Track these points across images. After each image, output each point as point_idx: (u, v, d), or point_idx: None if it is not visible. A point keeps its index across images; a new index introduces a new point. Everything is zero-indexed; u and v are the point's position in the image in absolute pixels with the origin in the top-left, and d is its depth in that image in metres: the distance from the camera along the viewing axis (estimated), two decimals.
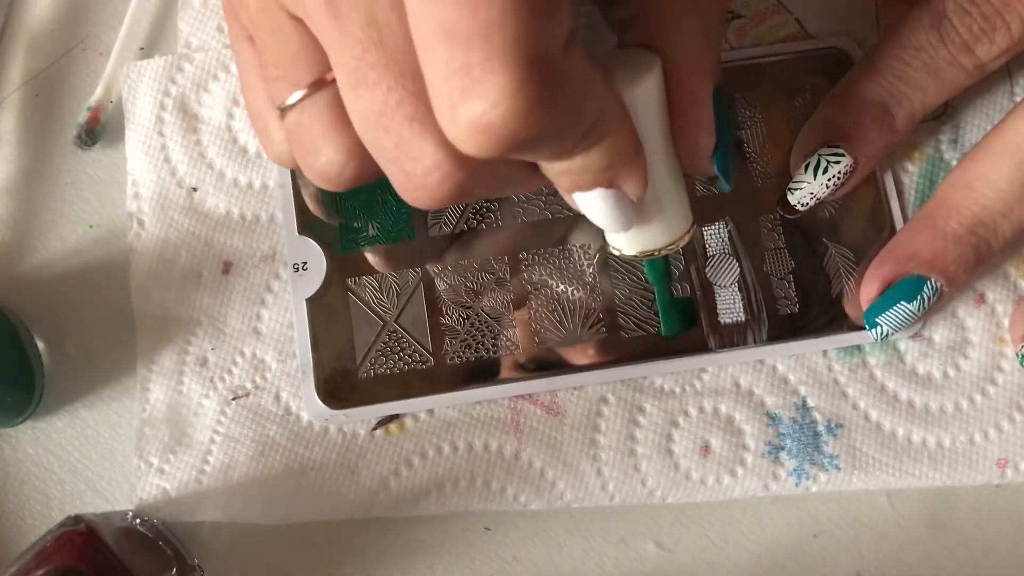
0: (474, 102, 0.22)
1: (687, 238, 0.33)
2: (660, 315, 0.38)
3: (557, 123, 0.24)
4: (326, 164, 0.28)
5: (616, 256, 0.33)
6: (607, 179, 0.28)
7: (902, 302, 0.37)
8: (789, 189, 0.38)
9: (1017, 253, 0.39)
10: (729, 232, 0.39)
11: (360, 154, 0.28)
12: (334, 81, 0.27)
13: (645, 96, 0.29)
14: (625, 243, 0.32)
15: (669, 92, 0.30)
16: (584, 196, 0.28)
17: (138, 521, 0.37)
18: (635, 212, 0.29)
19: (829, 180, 0.37)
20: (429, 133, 0.25)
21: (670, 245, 0.32)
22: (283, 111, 0.28)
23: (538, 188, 0.29)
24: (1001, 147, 0.36)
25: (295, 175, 0.40)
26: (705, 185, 0.39)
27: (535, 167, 0.28)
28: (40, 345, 0.40)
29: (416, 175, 0.26)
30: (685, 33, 0.30)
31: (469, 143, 0.23)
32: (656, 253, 0.32)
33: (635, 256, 0.32)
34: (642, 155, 0.28)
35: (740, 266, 0.39)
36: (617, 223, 0.29)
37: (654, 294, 0.38)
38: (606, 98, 0.26)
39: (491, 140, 0.23)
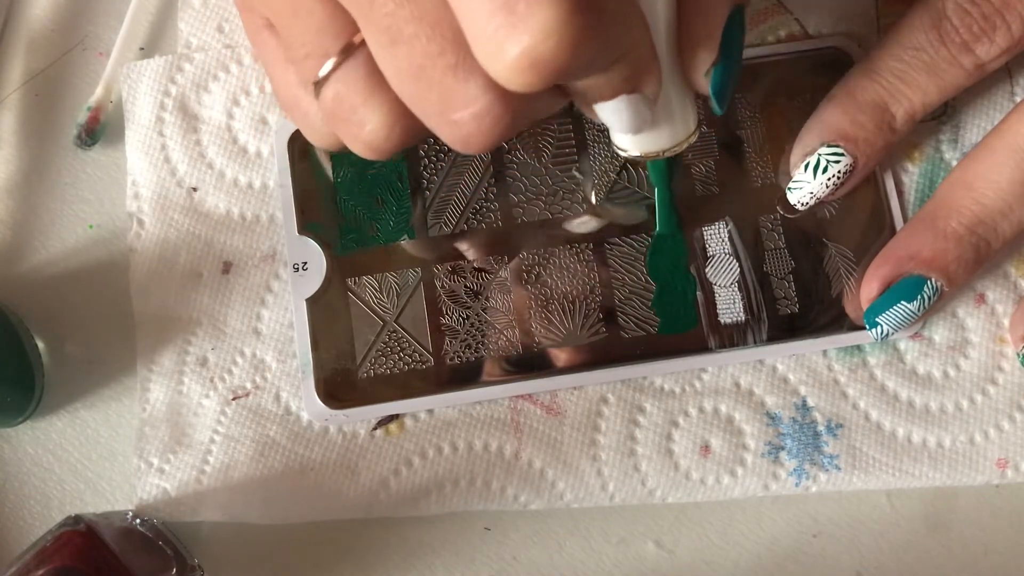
0: (521, 37, 0.22)
1: (691, 139, 0.32)
2: (657, 215, 0.38)
3: (602, 46, 0.24)
4: (372, 131, 0.28)
5: (622, 156, 0.33)
6: (630, 86, 0.27)
7: (902, 302, 0.37)
8: (789, 189, 0.38)
9: (1017, 253, 0.39)
10: (729, 232, 0.39)
11: (404, 114, 0.27)
12: (363, 44, 0.27)
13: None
14: (631, 144, 0.32)
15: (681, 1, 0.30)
16: (608, 104, 0.28)
17: (138, 521, 0.37)
18: (651, 112, 0.29)
19: (829, 180, 0.37)
20: (473, 78, 0.25)
21: (674, 147, 0.32)
22: (317, 86, 0.28)
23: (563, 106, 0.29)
24: (1002, 147, 0.36)
25: (294, 175, 0.40)
26: (705, 185, 0.39)
27: (562, 87, 0.27)
28: (40, 345, 0.40)
29: (465, 123, 0.26)
30: None
31: (519, 80, 0.23)
32: (661, 154, 0.32)
33: (640, 156, 0.32)
34: (658, 58, 0.28)
35: (740, 266, 0.39)
36: (635, 125, 0.29)
37: (654, 289, 0.39)
38: (634, 10, 0.26)
39: (542, 74, 0.23)
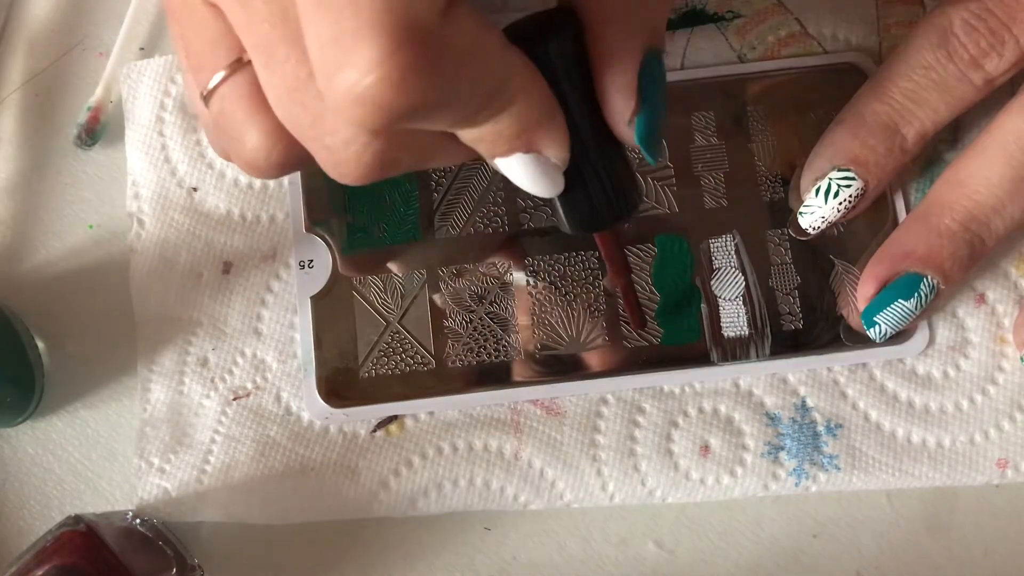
0: (347, 72, 0.22)
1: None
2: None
3: (441, 90, 0.23)
4: (252, 150, 0.28)
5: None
6: (523, 144, 0.27)
7: (899, 300, 0.37)
8: (800, 213, 0.38)
9: (1017, 253, 0.40)
10: (736, 246, 0.39)
11: (285, 135, 0.27)
12: (251, 63, 0.27)
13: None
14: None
15: (589, 51, 0.29)
16: (505, 162, 0.28)
17: (138, 521, 0.37)
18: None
19: (840, 204, 0.37)
20: None
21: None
22: (206, 99, 0.28)
23: (470, 158, 0.28)
24: (992, 144, 0.36)
25: (303, 173, 0.40)
26: (713, 197, 0.39)
27: (455, 136, 0.27)
28: (40, 345, 0.40)
29: (336, 149, 0.26)
30: None
31: (350, 114, 0.23)
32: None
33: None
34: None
35: (746, 280, 0.39)
36: (543, 187, 0.28)
37: (656, 299, 0.39)
38: (507, 60, 0.26)
39: (370, 111, 0.23)
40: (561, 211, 0.31)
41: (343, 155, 0.26)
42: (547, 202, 0.30)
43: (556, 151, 0.28)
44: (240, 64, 0.27)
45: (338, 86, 0.22)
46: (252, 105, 0.27)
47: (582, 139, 0.28)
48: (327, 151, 0.26)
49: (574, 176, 0.29)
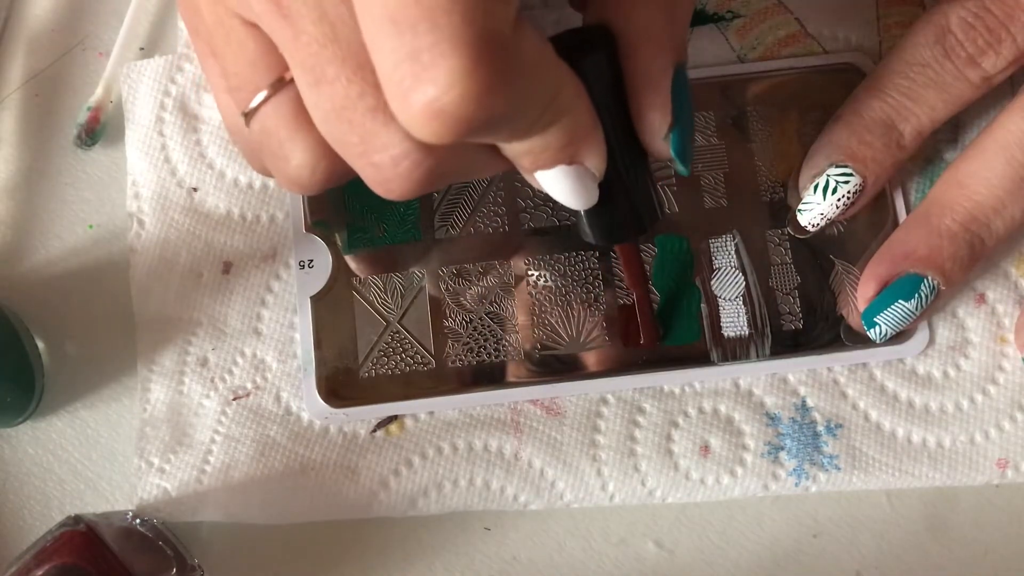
0: (426, 87, 0.22)
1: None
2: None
3: (512, 103, 0.24)
4: (296, 167, 0.28)
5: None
6: (568, 156, 0.27)
7: (900, 300, 0.37)
8: (799, 210, 0.38)
9: (1018, 253, 0.40)
10: (736, 246, 0.39)
11: (329, 152, 0.28)
12: (292, 81, 0.27)
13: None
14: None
15: (624, 69, 0.30)
16: (546, 175, 0.28)
17: (138, 521, 0.37)
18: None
19: (838, 200, 0.37)
20: (393, 122, 0.25)
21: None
22: (247, 117, 0.28)
23: (505, 171, 0.29)
24: (992, 145, 0.36)
25: None
26: (713, 197, 0.39)
27: (497, 149, 0.27)
28: (40, 345, 0.40)
29: (385, 166, 0.26)
30: (642, 8, 0.30)
31: (425, 130, 0.23)
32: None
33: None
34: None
35: (746, 280, 0.39)
36: (580, 200, 0.29)
37: (656, 299, 0.39)
38: (560, 74, 0.26)
39: (446, 125, 0.23)
40: (587, 222, 0.32)
41: (392, 172, 0.26)
42: (572, 213, 0.31)
43: (597, 162, 0.28)
44: (283, 83, 0.27)
45: (415, 102, 0.22)
46: (296, 124, 0.28)
47: (612, 153, 0.29)
48: (374, 168, 0.26)
49: (603, 189, 0.29)
